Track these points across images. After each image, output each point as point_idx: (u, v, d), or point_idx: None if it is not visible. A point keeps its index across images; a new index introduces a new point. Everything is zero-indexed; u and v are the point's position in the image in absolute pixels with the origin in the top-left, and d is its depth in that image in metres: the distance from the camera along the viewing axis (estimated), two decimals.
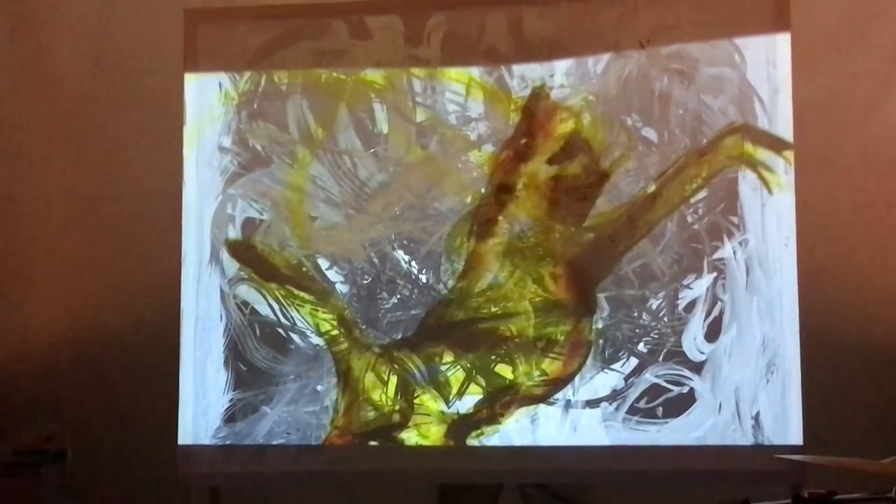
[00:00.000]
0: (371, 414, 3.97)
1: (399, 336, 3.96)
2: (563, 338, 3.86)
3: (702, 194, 3.84)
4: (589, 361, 3.85)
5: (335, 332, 4.00)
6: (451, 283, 3.95)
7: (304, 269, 4.04)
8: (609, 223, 3.85)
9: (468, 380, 3.92)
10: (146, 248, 4.32)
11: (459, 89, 3.98)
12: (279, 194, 4.07)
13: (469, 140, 3.97)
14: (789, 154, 3.78)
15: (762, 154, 3.79)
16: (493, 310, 3.92)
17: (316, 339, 4.01)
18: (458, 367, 3.93)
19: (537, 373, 3.88)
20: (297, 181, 4.06)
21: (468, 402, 3.91)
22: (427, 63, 4.00)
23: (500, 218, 3.93)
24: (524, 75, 3.93)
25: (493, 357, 3.91)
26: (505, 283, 3.92)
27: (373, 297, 4.00)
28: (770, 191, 3.78)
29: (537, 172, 3.91)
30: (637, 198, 3.84)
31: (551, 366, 3.88)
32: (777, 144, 3.78)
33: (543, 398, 3.87)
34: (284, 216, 4.06)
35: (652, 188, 3.84)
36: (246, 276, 4.06)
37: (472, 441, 3.91)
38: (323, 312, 4.01)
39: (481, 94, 3.96)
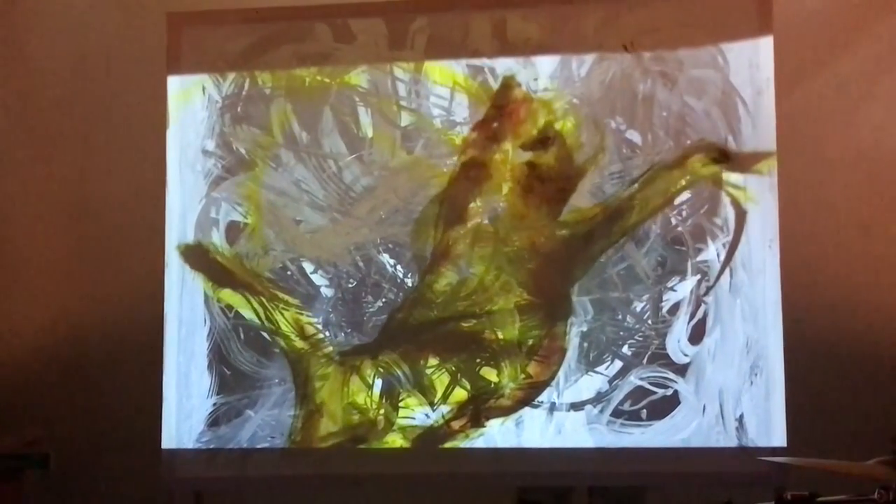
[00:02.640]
0: (334, 426, 3.95)
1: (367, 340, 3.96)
2: (545, 341, 3.86)
3: (685, 196, 3.85)
4: (573, 365, 3.85)
5: (294, 341, 3.99)
6: (416, 277, 3.94)
7: (289, 272, 4.04)
8: (585, 221, 3.85)
9: (453, 383, 3.92)
10: (129, 252, 4.30)
11: (444, 92, 3.98)
12: (263, 198, 4.06)
13: (455, 143, 3.97)
14: (763, 166, 3.78)
15: (732, 177, 3.80)
16: (471, 309, 3.91)
17: (301, 344, 4.00)
18: (444, 370, 3.93)
19: (523, 375, 3.88)
20: (282, 185, 4.05)
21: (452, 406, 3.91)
22: (411, 68, 4.00)
23: (473, 204, 3.92)
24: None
25: (478, 360, 3.91)
26: (491, 286, 3.91)
27: (358, 301, 4.00)
28: (741, 207, 3.78)
29: (510, 155, 3.90)
30: (611, 202, 3.84)
31: (534, 368, 3.88)
32: (747, 161, 3.79)
33: (517, 407, 3.86)
34: (268, 220, 4.05)
35: (625, 195, 3.84)
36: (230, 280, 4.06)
37: (458, 444, 3.90)
38: (284, 321, 4.00)
39: (466, 96, 3.96)
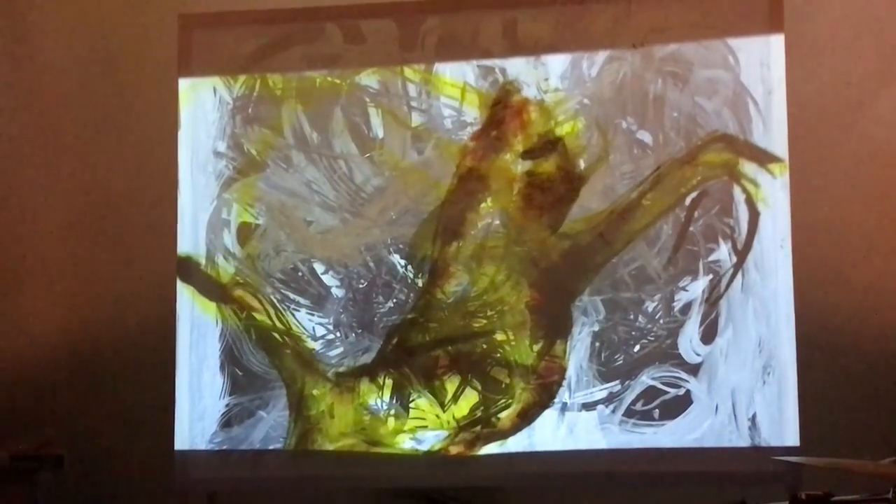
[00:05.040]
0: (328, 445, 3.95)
1: (362, 362, 3.96)
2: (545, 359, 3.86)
3: (699, 190, 3.84)
4: (584, 365, 3.84)
5: (289, 362, 3.99)
6: (426, 278, 3.94)
7: (300, 273, 4.04)
8: (587, 231, 3.85)
9: (464, 384, 3.92)
10: (142, 254, 4.31)
11: (455, 93, 3.98)
12: (274, 199, 4.06)
13: (465, 144, 3.97)
14: (774, 167, 3.78)
15: (747, 167, 3.80)
16: (475, 325, 3.91)
17: (312, 344, 4.01)
18: (454, 371, 3.93)
19: (534, 376, 3.88)
20: (293, 185, 4.06)
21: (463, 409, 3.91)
22: (421, 68, 4.00)
23: (471, 215, 3.92)
24: (519, 80, 3.94)
25: (488, 361, 3.91)
26: (497, 302, 3.91)
27: (369, 301, 4.00)
28: (756, 206, 3.78)
29: (509, 165, 3.90)
30: (616, 207, 3.84)
31: (545, 368, 3.88)
32: (761, 156, 3.79)
33: (510, 432, 3.86)
34: (280, 221, 4.06)
35: (634, 195, 3.84)
36: (241, 281, 4.06)
37: (469, 447, 3.90)
38: (283, 341, 4.00)
39: (476, 98, 3.96)
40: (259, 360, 4.04)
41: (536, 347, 3.88)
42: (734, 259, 3.79)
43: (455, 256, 3.93)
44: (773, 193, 3.78)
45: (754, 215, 3.79)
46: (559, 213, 3.87)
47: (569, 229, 3.87)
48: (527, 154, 3.89)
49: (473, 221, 3.93)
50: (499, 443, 3.88)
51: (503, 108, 3.93)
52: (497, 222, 3.92)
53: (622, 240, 3.84)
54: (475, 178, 3.93)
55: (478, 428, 3.89)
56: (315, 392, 3.97)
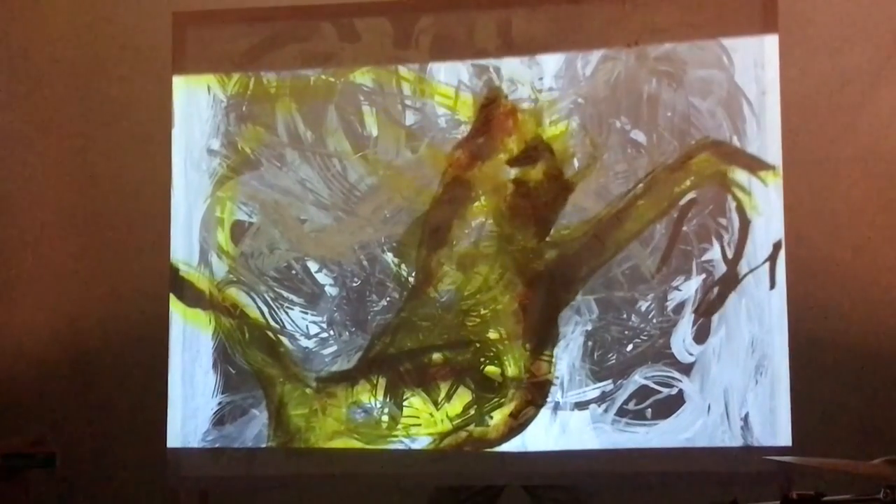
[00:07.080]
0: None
1: (341, 367, 3.96)
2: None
3: (690, 196, 3.85)
4: (577, 364, 3.85)
5: (270, 369, 3.99)
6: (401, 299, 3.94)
7: (294, 271, 4.04)
8: (580, 231, 3.85)
9: (457, 383, 3.92)
10: (134, 252, 4.31)
11: (449, 92, 3.98)
12: (268, 197, 4.06)
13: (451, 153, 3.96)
14: (766, 174, 3.78)
15: (738, 174, 3.80)
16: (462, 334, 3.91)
17: (305, 343, 4.01)
18: (448, 368, 3.93)
19: (526, 374, 3.88)
20: (287, 184, 4.06)
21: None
22: (416, 67, 4.00)
23: (456, 222, 3.92)
24: (513, 79, 3.94)
25: (482, 359, 3.91)
26: (492, 290, 3.91)
27: (362, 300, 4.00)
28: (747, 215, 3.78)
29: (496, 172, 3.91)
30: (605, 215, 3.84)
31: (538, 367, 3.88)
32: (753, 163, 3.79)
33: (499, 441, 3.87)
34: (273, 219, 4.06)
35: (623, 203, 3.84)
36: (235, 279, 4.06)
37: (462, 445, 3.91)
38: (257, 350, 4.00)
39: (470, 96, 3.96)
40: (252, 357, 4.03)
41: (529, 346, 3.88)
42: (727, 262, 3.79)
43: (446, 256, 3.92)
44: (766, 196, 3.78)
45: (745, 221, 3.79)
46: (551, 213, 3.88)
47: (562, 229, 3.87)
48: (514, 162, 3.89)
49: (462, 222, 3.92)
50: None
51: (495, 108, 3.92)
52: (490, 221, 3.91)
53: (615, 242, 3.84)
54: (462, 183, 3.93)
55: (471, 427, 3.89)
56: (307, 391, 3.96)
